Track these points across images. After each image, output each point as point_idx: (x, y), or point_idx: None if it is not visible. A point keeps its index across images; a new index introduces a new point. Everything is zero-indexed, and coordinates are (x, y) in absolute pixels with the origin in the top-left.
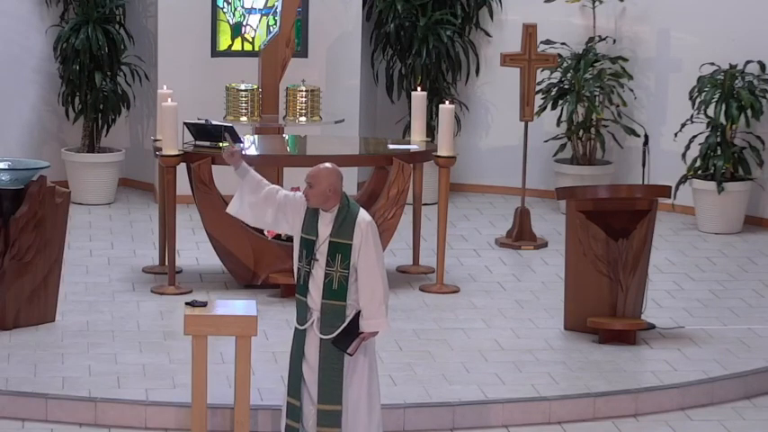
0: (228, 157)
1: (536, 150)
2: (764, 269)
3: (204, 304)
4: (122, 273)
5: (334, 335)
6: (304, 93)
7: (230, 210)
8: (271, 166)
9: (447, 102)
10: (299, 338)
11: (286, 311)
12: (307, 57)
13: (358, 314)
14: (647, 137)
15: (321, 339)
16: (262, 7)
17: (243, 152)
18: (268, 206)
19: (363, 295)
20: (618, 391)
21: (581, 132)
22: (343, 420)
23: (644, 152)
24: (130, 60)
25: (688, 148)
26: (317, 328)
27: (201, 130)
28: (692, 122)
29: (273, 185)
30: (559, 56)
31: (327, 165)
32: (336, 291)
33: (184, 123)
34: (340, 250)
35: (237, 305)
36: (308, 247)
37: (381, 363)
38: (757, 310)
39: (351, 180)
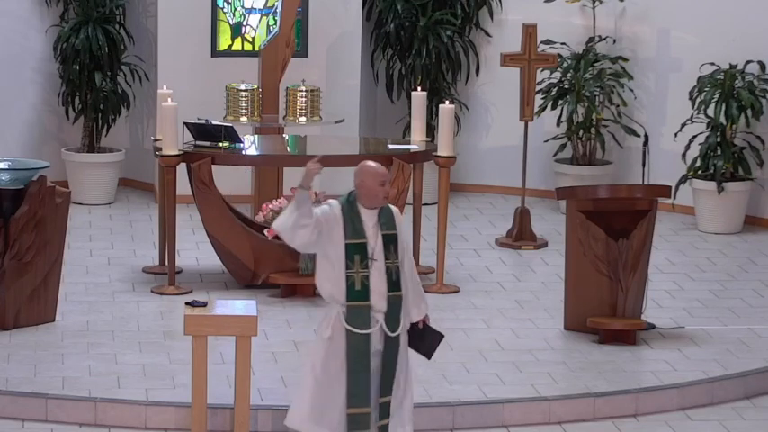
0: (313, 169)
1: (536, 150)
2: (764, 269)
3: (204, 304)
4: (122, 273)
5: (398, 331)
6: (304, 93)
7: (277, 225)
8: (271, 166)
9: (447, 102)
10: (361, 344)
11: (286, 311)
12: (307, 57)
13: (419, 320)
14: (647, 137)
15: (387, 336)
16: (262, 7)
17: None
18: (315, 229)
19: (412, 280)
20: (618, 391)
21: (581, 132)
22: (394, 409)
23: (644, 152)
24: (130, 60)
25: (688, 148)
26: (386, 327)
27: (201, 130)
28: (692, 122)
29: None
30: (559, 56)
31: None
32: (396, 281)
33: (184, 123)
34: (391, 241)
35: (237, 305)
36: (362, 250)
37: None
38: (757, 310)
39: (351, 180)
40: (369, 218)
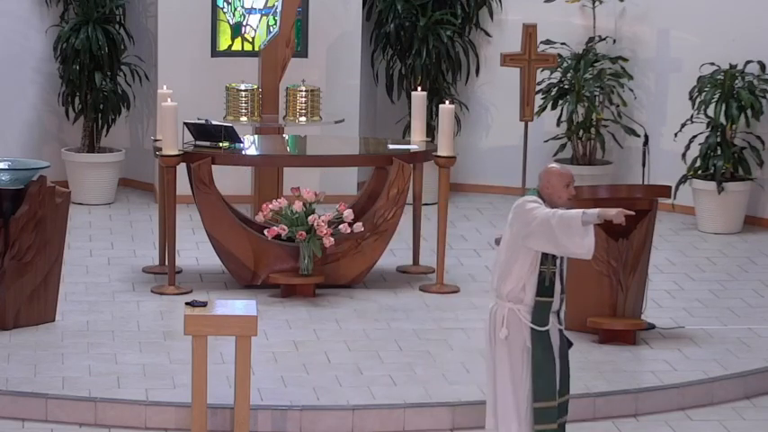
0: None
1: (536, 150)
2: (764, 269)
3: (204, 304)
4: (122, 273)
5: (563, 326)
6: (304, 93)
7: (591, 245)
8: (271, 166)
9: (447, 102)
10: (545, 340)
11: (286, 311)
12: (307, 57)
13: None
14: (647, 137)
15: (560, 332)
16: (262, 7)
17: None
18: None
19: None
20: (618, 391)
21: (581, 132)
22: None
23: (644, 152)
24: (130, 60)
25: (688, 148)
26: (558, 322)
27: (201, 130)
28: (692, 122)
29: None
30: (559, 56)
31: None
32: (564, 283)
33: (184, 123)
34: None
35: (237, 305)
36: None
37: (381, 363)
38: (757, 310)
39: (351, 180)
40: None
